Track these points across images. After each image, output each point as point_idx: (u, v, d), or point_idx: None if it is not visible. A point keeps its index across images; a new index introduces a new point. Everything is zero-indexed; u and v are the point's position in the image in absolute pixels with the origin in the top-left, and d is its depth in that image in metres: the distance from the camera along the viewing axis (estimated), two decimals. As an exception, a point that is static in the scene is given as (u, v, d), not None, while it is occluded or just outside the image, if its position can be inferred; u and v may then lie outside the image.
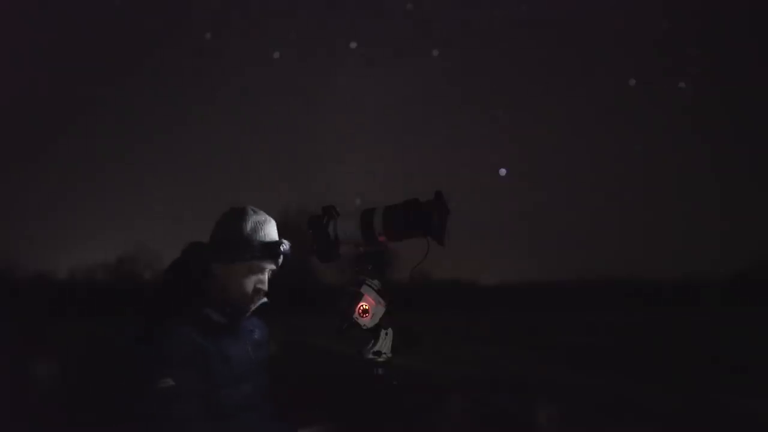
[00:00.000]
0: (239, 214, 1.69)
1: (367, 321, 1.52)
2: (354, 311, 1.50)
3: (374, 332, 1.55)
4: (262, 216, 1.70)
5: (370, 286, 1.54)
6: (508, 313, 26.46)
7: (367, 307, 1.51)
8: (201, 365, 1.57)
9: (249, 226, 1.67)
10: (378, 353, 1.55)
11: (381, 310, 1.54)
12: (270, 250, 1.67)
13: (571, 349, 13.70)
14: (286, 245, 1.68)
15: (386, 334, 1.56)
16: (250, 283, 1.67)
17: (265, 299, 1.73)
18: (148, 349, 1.55)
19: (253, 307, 1.71)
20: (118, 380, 1.65)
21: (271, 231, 1.70)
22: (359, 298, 1.52)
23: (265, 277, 1.69)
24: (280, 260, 1.71)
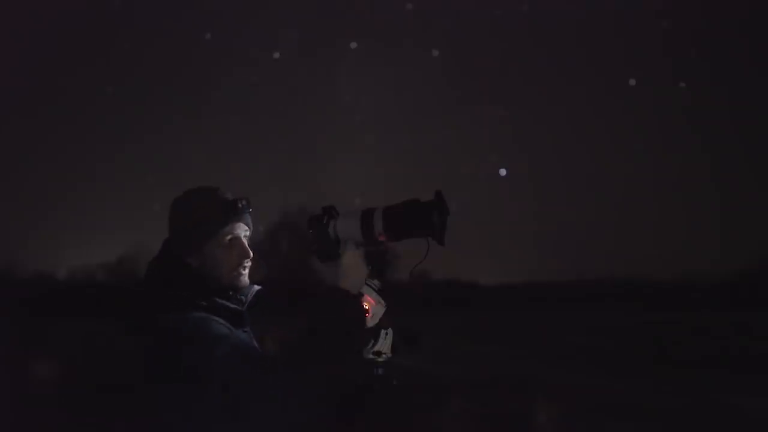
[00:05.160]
0: (184, 198, 1.61)
1: (367, 321, 1.52)
2: (354, 311, 1.50)
3: (374, 332, 1.55)
4: (206, 188, 1.61)
5: (370, 286, 1.53)
6: (508, 313, 26.46)
7: (367, 307, 1.51)
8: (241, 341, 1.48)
9: (198, 203, 1.58)
10: (378, 353, 1.55)
11: (381, 310, 1.54)
12: (227, 212, 1.57)
13: (571, 349, 13.69)
14: (243, 201, 1.58)
15: (386, 334, 1.56)
16: (232, 258, 1.57)
17: (258, 286, 1.65)
18: (188, 335, 1.42)
19: (251, 295, 1.63)
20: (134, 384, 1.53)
21: (223, 197, 1.59)
22: (359, 298, 1.51)
23: (244, 244, 1.59)
24: (247, 219, 1.61)
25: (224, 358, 1.36)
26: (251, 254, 1.60)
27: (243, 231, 1.61)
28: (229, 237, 1.57)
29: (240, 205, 1.58)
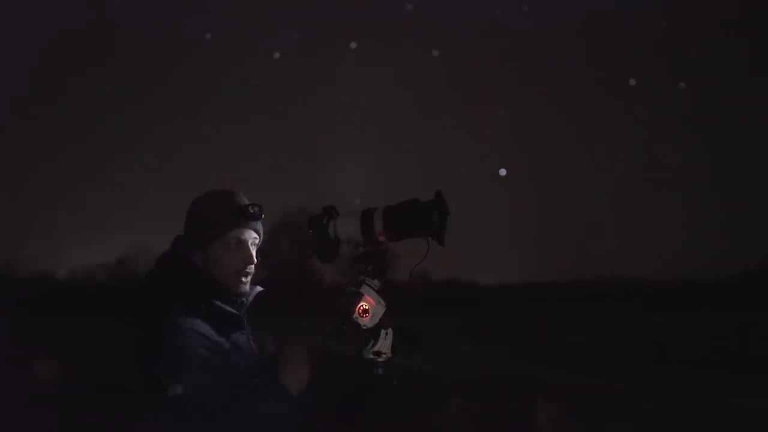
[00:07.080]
0: (201, 198, 1.63)
1: (367, 321, 1.51)
2: (354, 311, 1.50)
3: (374, 332, 1.55)
4: (224, 190, 1.63)
5: (370, 286, 1.53)
6: (508, 313, 26.47)
7: (367, 307, 1.51)
8: (219, 361, 1.49)
9: (211, 204, 1.60)
10: (378, 353, 1.54)
11: (381, 310, 1.54)
12: (237, 216, 1.57)
13: (571, 349, 13.69)
14: (255, 207, 1.58)
15: (386, 334, 1.56)
16: (235, 261, 1.58)
17: (260, 288, 1.66)
18: (159, 348, 1.43)
19: (252, 296, 1.64)
20: (125, 385, 1.54)
21: (236, 201, 1.60)
22: (359, 298, 1.51)
23: (249, 249, 1.60)
24: (258, 226, 1.62)
25: (191, 373, 1.40)
26: (255, 261, 1.61)
27: (251, 237, 1.62)
28: (235, 240, 1.59)
29: (251, 211, 1.58)
